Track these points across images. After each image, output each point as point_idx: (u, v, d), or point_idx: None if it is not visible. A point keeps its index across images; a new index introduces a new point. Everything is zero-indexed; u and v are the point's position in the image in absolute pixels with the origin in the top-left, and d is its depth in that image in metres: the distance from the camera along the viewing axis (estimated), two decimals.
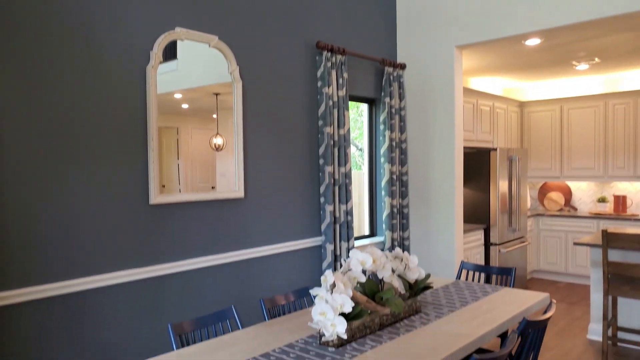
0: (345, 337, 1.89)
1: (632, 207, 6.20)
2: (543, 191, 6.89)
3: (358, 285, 2.25)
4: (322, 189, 3.83)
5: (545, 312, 2.27)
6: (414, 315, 2.39)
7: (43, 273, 2.40)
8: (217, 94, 3.16)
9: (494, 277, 4.97)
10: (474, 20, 4.19)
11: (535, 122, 6.68)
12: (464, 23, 4.25)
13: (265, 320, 2.41)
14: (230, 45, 3.21)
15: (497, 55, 5.00)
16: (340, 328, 1.86)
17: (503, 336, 2.93)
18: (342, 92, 3.90)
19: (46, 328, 2.42)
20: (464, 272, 4.81)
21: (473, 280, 3.33)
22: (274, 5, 3.56)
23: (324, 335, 1.97)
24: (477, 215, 5.44)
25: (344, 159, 3.90)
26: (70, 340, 2.50)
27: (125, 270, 2.70)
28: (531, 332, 2.16)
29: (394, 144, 4.47)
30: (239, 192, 3.25)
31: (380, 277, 2.25)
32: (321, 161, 3.82)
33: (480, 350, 2.70)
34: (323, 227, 3.83)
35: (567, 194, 6.70)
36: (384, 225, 4.47)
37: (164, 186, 2.87)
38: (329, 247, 3.81)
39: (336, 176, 3.85)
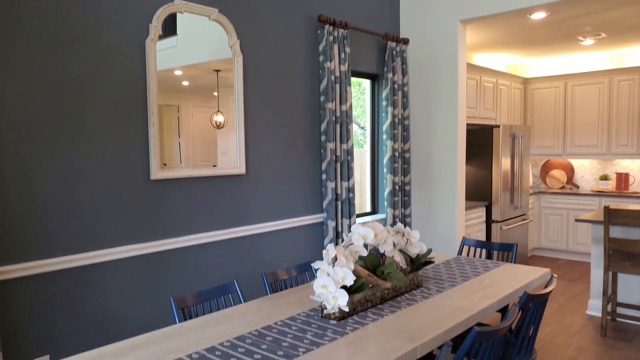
0: (346, 310, 1.91)
1: (635, 184, 6.18)
2: (545, 169, 6.87)
3: (360, 259, 2.26)
4: (323, 165, 3.82)
5: (546, 286, 2.28)
6: (415, 290, 2.40)
7: (45, 247, 2.41)
8: (217, 71, 3.12)
9: (495, 253, 4.99)
10: None
11: (538, 99, 6.61)
12: None
13: (267, 294, 2.43)
14: (231, 18, 3.16)
15: (501, 30, 4.91)
16: (342, 301, 1.87)
17: (503, 311, 2.95)
18: (344, 67, 3.85)
19: (50, 302, 2.44)
20: (465, 248, 4.83)
21: (474, 256, 3.34)
22: None
23: (325, 308, 1.99)
24: (478, 192, 5.43)
25: (346, 135, 3.87)
26: (74, 314, 2.53)
27: (127, 245, 2.71)
28: (532, 305, 2.17)
29: (396, 120, 4.43)
30: (240, 169, 3.24)
31: (381, 251, 2.26)
32: (323, 138, 3.80)
33: (479, 325, 2.73)
34: (325, 204, 3.83)
35: (570, 171, 6.68)
36: (385, 203, 4.47)
37: (165, 164, 2.86)
38: (331, 224, 3.82)
39: (338, 153, 3.84)
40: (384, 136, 4.43)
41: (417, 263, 2.45)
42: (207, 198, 3.09)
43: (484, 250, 4.81)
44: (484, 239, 5.32)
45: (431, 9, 4.42)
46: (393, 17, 4.59)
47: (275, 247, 3.55)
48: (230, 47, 3.15)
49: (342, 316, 1.98)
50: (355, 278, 2.00)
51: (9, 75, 2.28)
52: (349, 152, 3.92)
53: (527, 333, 2.22)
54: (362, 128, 4.90)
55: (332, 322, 1.96)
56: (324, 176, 3.82)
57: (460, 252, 3.36)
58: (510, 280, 2.56)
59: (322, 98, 3.77)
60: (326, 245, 3.87)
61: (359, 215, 4.52)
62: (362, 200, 4.76)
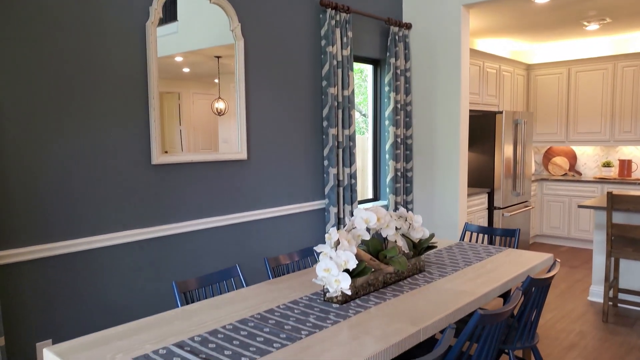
0: (349, 293, 1.90)
1: (638, 171, 6.16)
2: (548, 156, 6.84)
3: (362, 243, 2.25)
4: (325, 151, 3.80)
5: (549, 271, 2.27)
6: (417, 274, 2.39)
7: (47, 232, 2.41)
8: (218, 57, 3.09)
9: (497, 238, 4.99)
10: None
11: (541, 85, 6.56)
12: None
13: (269, 279, 2.42)
14: (232, 1, 3.12)
15: (505, 15, 4.85)
16: (344, 284, 1.86)
17: (505, 297, 2.95)
18: (346, 52, 3.81)
19: (52, 287, 2.44)
20: (467, 233, 4.82)
21: (477, 242, 3.34)
22: None
23: (328, 291, 1.98)
24: (481, 179, 5.42)
25: (348, 121, 3.85)
26: (76, 299, 2.53)
27: (129, 230, 2.71)
28: (535, 290, 2.17)
29: (398, 106, 4.40)
30: (242, 154, 3.22)
31: (384, 235, 2.25)
32: (325, 123, 3.77)
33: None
34: (327, 190, 3.82)
35: (572, 158, 6.65)
36: (387, 189, 4.46)
37: (166, 152, 2.84)
38: (333, 210, 3.81)
39: (340, 139, 3.81)
40: (386, 122, 4.40)
41: (420, 248, 2.44)
42: (208, 184, 3.07)
43: (486, 236, 4.81)
44: (485, 225, 5.31)
45: None
46: (396, 2, 4.54)
47: (277, 234, 3.54)
48: (231, 31, 3.11)
49: (345, 300, 1.98)
50: (357, 262, 1.99)
51: (7, 60, 2.25)
52: (351, 138, 3.90)
53: (529, 317, 2.22)
54: (364, 115, 4.87)
55: (334, 305, 1.96)
56: (325, 162, 3.80)
57: (462, 238, 3.35)
58: (512, 265, 2.56)
59: (324, 83, 3.74)
60: (328, 231, 3.86)
61: (360, 202, 4.51)
62: (364, 187, 4.74)
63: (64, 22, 2.41)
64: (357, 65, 4.54)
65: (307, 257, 2.76)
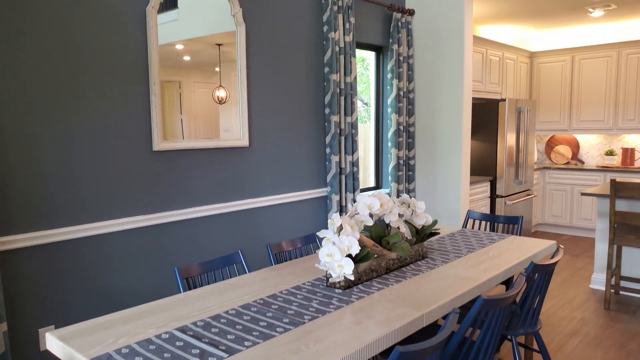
0: (352, 278, 1.90)
1: None
2: (550, 144, 6.81)
3: (365, 229, 2.24)
4: (327, 139, 3.78)
5: (552, 257, 2.26)
6: (420, 260, 2.39)
7: (49, 218, 2.40)
8: (219, 45, 3.06)
9: (500, 226, 4.99)
10: None
11: (545, 73, 6.51)
12: None
13: (271, 265, 2.42)
14: None
15: (508, 0, 4.80)
16: (347, 269, 1.86)
17: (507, 283, 2.95)
18: (348, 38, 3.77)
19: (54, 272, 2.44)
20: (470, 221, 4.81)
21: (479, 229, 3.33)
22: None
23: (330, 277, 1.98)
24: (483, 167, 5.40)
25: (350, 108, 3.82)
26: (78, 285, 2.53)
27: (131, 217, 2.70)
28: (538, 275, 2.16)
29: (401, 93, 4.37)
30: (244, 141, 3.20)
31: (387, 221, 2.24)
32: (327, 110, 3.75)
33: None
34: (329, 178, 3.80)
35: (575, 147, 6.62)
36: (389, 177, 4.44)
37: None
38: (335, 198, 3.80)
39: (342, 126, 3.79)
40: (389, 110, 4.37)
41: (423, 234, 2.43)
42: (210, 170, 3.06)
43: (488, 224, 4.80)
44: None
45: None
46: None
47: (278, 221, 3.54)
48: (232, 16, 3.08)
49: (348, 285, 1.97)
50: (360, 247, 1.98)
51: (7, 45, 2.23)
52: (353, 126, 3.87)
53: (532, 303, 2.22)
54: (366, 104, 4.83)
55: (337, 291, 1.95)
56: (327, 150, 3.79)
57: (465, 225, 3.34)
58: (516, 251, 2.55)
59: (326, 69, 3.70)
60: (331, 217, 3.86)
61: (362, 190, 4.50)
62: (366, 175, 4.73)
63: (64, 6, 2.38)
64: (359, 53, 4.50)
65: (310, 244, 2.76)
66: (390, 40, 4.29)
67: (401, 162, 4.43)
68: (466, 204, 4.48)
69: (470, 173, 5.50)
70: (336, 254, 1.86)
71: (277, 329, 1.60)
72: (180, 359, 1.40)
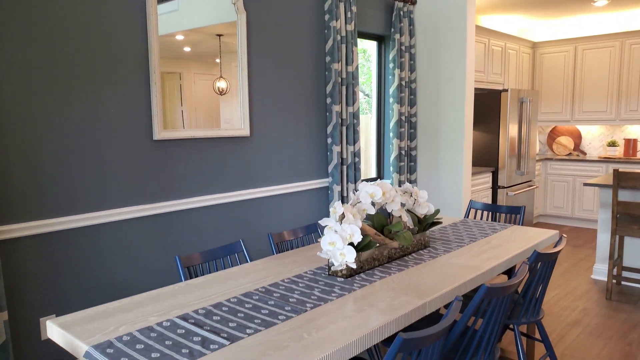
0: (354, 266, 1.89)
1: None
2: (552, 135, 6.78)
3: (367, 218, 2.23)
4: (329, 129, 3.75)
5: (555, 245, 2.25)
6: (422, 250, 2.38)
7: (48, 207, 2.39)
8: (220, 35, 3.03)
9: (502, 216, 4.97)
10: None
11: (547, 64, 6.46)
12: None
13: (273, 254, 2.41)
14: None
15: None
16: (349, 257, 1.84)
17: (509, 273, 2.94)
18: (350, 27, 3.74)
19: (55, 262, 2.43)
20: (472, 211, 4.80)
21: (481, 219, 3.31)
22: None
23: (332, 265, 1.97)
24: (485, 157, 5.38)
25: (352, 97, 3.79)
26: (79, 274, 2.53)
27: (131, 206, 2.69)
28: (541, 264, 2.15)
29: (403, 83, 4.34)
30: (245, 130, 3.18)
31: (389, 210, 2.22)
32: (328, 100, 3.72)
33: None
34: (330, 168, 3.79)
35: (577, 138, 6.59)
36: (391, 168, 4.42)
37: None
38: (336, 189, 3.78)
39: (344, 116, 3.77)
40: (391, 100, 4.34)
41: (425, 223, 2.42)
42: (211, 160, 3.05)
43: (490, 214, 4.79)
44: None
45: None
46: None
47: (279, 212, 3.53)
48: (233, 4, 3.04)
49: (350, 274, 1.96)
50: (362, 236, 1.97)
51: (7, 34, 2.20)
52: (355, 116, 3.85)
53: (535, 292, 2.21)
54: (367, 96, 4.80)
55: (339, 279, 1.94)
56: (329, 140, 3.76)
57: (467, 215, 3.33)
58: (518, 241, 2.54)
59: (328, 59, 3.67)
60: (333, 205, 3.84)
61: (364, 181, 4.48)
62: (368, 166, 4.71)
63: None
64: (360, 44, 4.46)
65: (311, 234, 2.75)
66: (392, 30, 4.25)
67: (403, 152, 4.41)
68: (468, 194, 4.46)
69: (472, 164, 5.48)
70: (338, 242, 1.85)
71: (279, 317, 1.59)
72: (181, 346, 1.40)
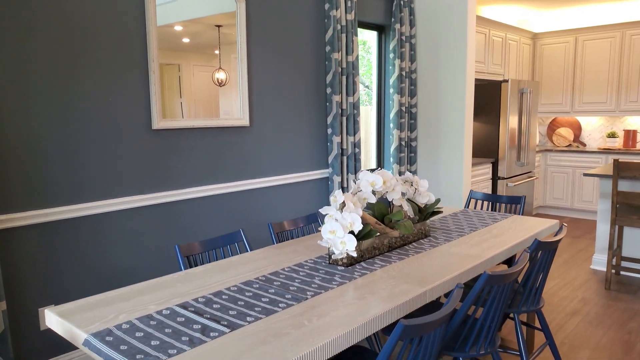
0: (354, 255, 1.88)
1: None
2: (552, 127, 6.77)
3: (367, 207, 2.22)
4: (329, 119, 3.73)
5: (556, 234, 2.25)
6: (423, 239, 2.37)
7: (47, 197, 2.38)
8: (219, 26, 3.00)
9: (502, 206, 4.98)
10: None
11: (547, 55, 6.43)
12: None
13: (273, 244, 2.40)
14: None
15: None
16: (350, 245, 1.84)
17: (509, 262, 2.94)
18: (350, 16, 3.71)
19: (54, 251, 2.42)
20: (472, 201, 4.80)
21: (482, 209, 3.31)
22: None
23: (333, 253, 1.96)
24: (485, 148, 5.36)
25: (352, 88, 3.77)
26: (78, 264, 2.52)
27: (130, 196, 2.67)
28: (542, 253, 2.14)
29: (403, 73, 4.31)
30: (244, 120, 3.17)
31: (389, 199, 2.21)
32: (328, 90, 3.70)
33: None
34: (330, 159, 3.77)
35: (577, 129, 6.58)
36: (391, 159, 4.41)
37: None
38: (336, 180, 3.77)
39: (344, 106, 3.75)
40: (391, 90, 4.32)
41: (425, 213, 2.41)
42: (210, 150, 3.03)
43: (490, 204, 4.79)
44: None
45: None
46: None
47: (279, 203, 3.52)
48: None
49: (350, 262, 1.96)
50: (363, 224, 1.96)
51: (5, 25, 2.18)
52: (355, 106, 3.83)
53: (535, 281, 2.21)
54: (367, 87, 4.78)
55: (339, 268, 1.94)
56: (329, 130, 3.75)
57: (467, 205, 3.32)
58: (518, 230, 2.53)
59: (328, 48, 3.65)
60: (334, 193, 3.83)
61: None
62: (368, 157, 4.70)
63: None
64: (360, 35, 4.43)
65: (312, 224, 2.74)
66: (393, 20, 4.22)
67: (403, 143, 4.40)
68: (468, 185, 4.46)
69: (472, 155, 5.47)
70: (339, 231, 1.84)
71: (280, 305, 1.58)
72: (181, 334, 1.39)
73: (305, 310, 1.53)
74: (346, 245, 1.84)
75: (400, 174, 4.42)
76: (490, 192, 5.29)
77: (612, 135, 6.17)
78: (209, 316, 1.51)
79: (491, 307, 1.79)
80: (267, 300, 1.63)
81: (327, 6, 3.61)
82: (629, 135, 5.99)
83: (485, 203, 4.75)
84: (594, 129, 6.47)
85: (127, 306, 1.61)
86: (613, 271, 4.09)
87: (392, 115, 4.33)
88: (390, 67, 4.29)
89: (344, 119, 3.76)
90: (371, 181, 2.07)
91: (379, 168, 4.62)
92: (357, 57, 3.80)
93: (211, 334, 1.38)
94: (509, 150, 5.27)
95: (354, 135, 3.86)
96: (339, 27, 3.63)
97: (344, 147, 3.80)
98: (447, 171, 4.45)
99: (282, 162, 3.50)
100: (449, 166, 4.44)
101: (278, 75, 3.40)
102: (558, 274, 4.09)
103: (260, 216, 3.38)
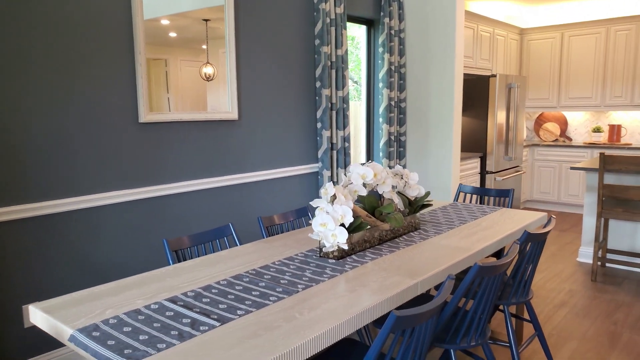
0: (345, 247, 1.87)
1: (627, 136, 6.18)
2: (539, 122, 6.82)
3: (358, 200, 2.21)
4: (318, 113, 3.72)
5: (545, 226, 2.26)
6: (413, 232, 2.37)
7: (31, 191, 2.33)
8: (206, 20, 2.96)
9: (491, 199, 5.01)
10: None
11: (535, 50, 6.48)
12: None
13: (263, 238, 2.38)
14: None
15: None
16: (341, 238, 1.82)
17: (498, 255, 2.95)
18: (339, 10, 3.68)
19: (38, 247, 2.38)
20: (461, 195, 4.82)
21: (470, 202, 3.32)
22: None
23: (324, 246, 1.95)
24: (473, 143, 5.39)
25: (341, 81, 3.75)
26: (64, 259, 2.47)
27: (118, 190, 2.63)
28: (531, 245, 2.16)
29: (392, 68, 4.31)
30: (233, 114, 3.13)
31: (380, 192, 2.20)
32: (318, 84, 3.68)
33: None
34: (320, 153, 3.76)
35: (563, 124, 6.64)
36: (380, 153, 4.41)
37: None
38: (326, 174, 3.76)
39: (333, 100, 3.73)
40: (380, 85, 4.31)
41: (415, 205, 2.41)
42: (198, 144, 2.99)
43: (479, 197, 4.81)
44: None
45: None
46: None
47: (269, 197, 3.49)
48: None
49: (341, 255, 1.94)
50: (354, 217, 1.95)
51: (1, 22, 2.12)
52: (345, 100, 3.81)
53: (525, 273, 2.22)
54: (356, 83, 4.76)
55: (330, 261, 1.93)
56: (319, 124, 3.73)
57: (456, 199, 3.33)
58: (507, 223, 2.54)
59: (317, 42, 3.62)
60: (324, 186, 3.82)
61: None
62: (357, 152, 4.69)
63: None
64: (349, 31, 4.41)
65: (302, 218, 2.72)
66: (382, 14, 4.21)
67: (392, 138, 4.40)
68: (457, 180, 4.47)
69: (460, 149, 5.49)
70: (330, 223, 1.83)
71: (271, 298, 1.57)
72: (170, 328, 1.37)
73: (296, 303, 1.52)
74: (337, 238, 1.82)
75: (389, 168, 4.42)
76: (478, 186, 5.32)
77: (597, 130, 6.24)
78: (198, 310, 1.49)
79: (482, 299, 1.79)
80: (258, 293, 1.61)
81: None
82: (614, 130, 6.07)
83: (474, 196, 4.78)
84: (580, 123, 6.54)
85: (114, 301, 1.58)
86: (599, 263, 4.14)
87: (381, 109, 4.32)
88: (380, 62, 4.28)
89: (334, 113, 3.75)
90: (362, 173, 2.06)
91: (370, 161, 4.62)
92: (346, 51, 3.78)
93: (201, 328, 1.36)
94: (496, 145, 5.30)
95: (344, 130, 3.85)
96: (328, 20, 3.61)
97: (334, 141, 3.78)
98: (436, 165, 4.46)
99: (271, 156, 3.47)
100: (438, 160, 4.45)
101: (267, 68, 3.37)
102: (545, 266, 4.13)
103: (249, 210, 3.36)
